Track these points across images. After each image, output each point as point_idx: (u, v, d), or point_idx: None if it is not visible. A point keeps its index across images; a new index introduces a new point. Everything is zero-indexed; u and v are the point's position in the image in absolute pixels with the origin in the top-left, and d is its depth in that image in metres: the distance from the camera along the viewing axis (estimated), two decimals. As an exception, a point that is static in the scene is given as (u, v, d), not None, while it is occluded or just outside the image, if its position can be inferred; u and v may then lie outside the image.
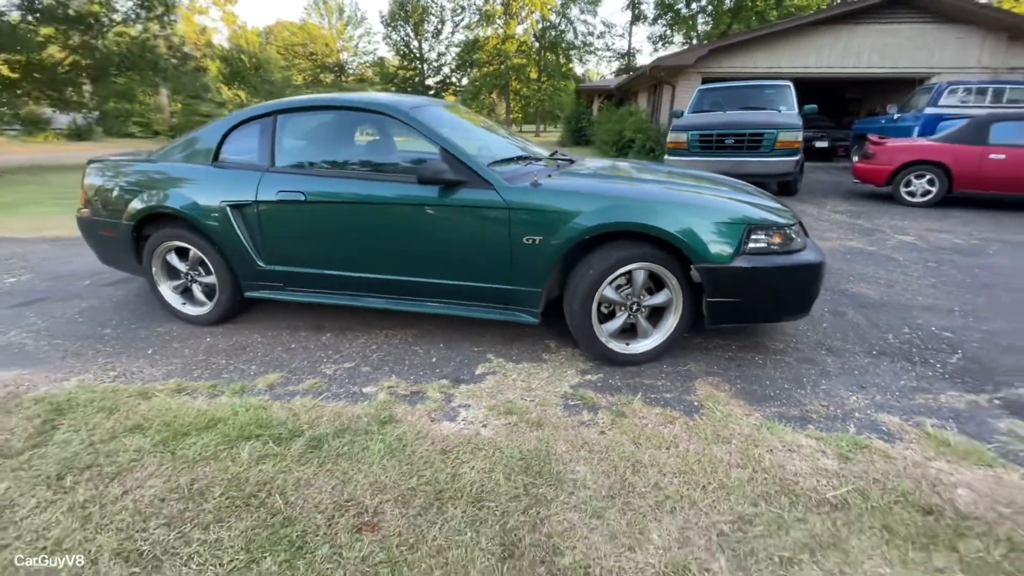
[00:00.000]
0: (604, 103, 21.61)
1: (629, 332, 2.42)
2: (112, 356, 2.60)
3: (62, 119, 15.56)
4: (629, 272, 2.25)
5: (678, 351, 2.51)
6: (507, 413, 2.01)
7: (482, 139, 2.93)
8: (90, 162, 3.03)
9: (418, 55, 49.18)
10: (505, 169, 2.41)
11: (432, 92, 50.73)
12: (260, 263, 2.67)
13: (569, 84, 41.83)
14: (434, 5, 47.44)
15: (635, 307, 2.33)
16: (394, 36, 47.45)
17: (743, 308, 2.24)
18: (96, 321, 3.03)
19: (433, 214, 2.35)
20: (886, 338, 2.61)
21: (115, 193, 2.83)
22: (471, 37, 45.23)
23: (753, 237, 2.15)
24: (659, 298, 2.32)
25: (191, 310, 2.92)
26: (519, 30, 45.30)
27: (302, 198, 2.48)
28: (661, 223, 2.13)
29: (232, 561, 1.37)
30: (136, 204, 2.73)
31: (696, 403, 2.08)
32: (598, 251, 2.24)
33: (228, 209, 2.59)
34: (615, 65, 46.71)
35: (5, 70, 13.43)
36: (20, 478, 1.70)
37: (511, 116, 52.39)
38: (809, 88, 13.35)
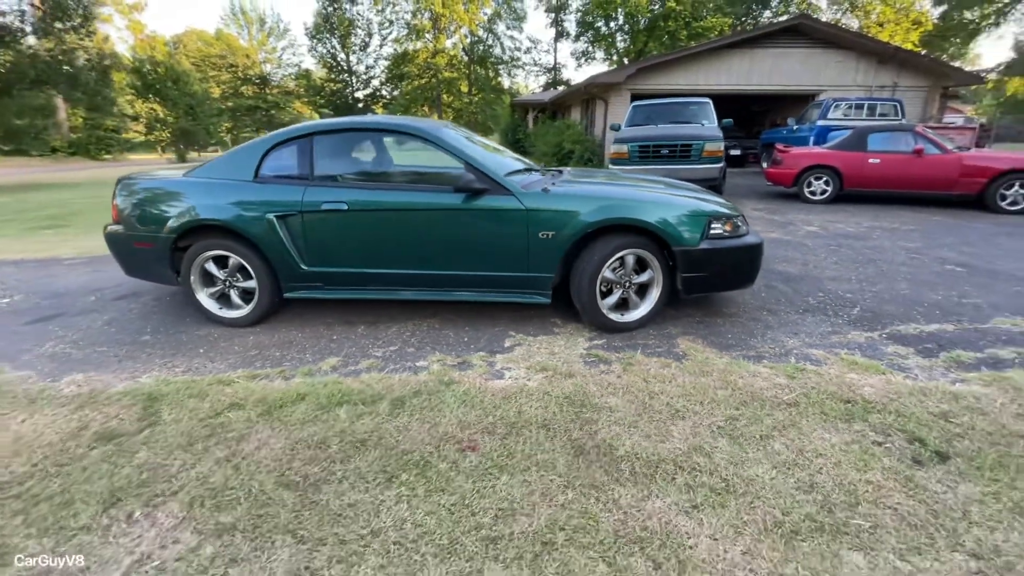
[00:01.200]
0: (539, 116, 22.72)
1: (621, 306, 3.04)
2: (167, 356, 2.84)
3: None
4: (622, 257, 2.88)
5: (659, 320, 3.16)
6: (543, 370, 2.56)
7: (489, 154, 3.48)
8: (121, 180, 3.22)
9: (346, 68, 48.50)
10: (518, 178, 2.97)
11: (362, 105, 50.13)
12: (303, 266, 3.02)
13: (504, 98, 42.96)
14: (360, 18, 47.11)
15: (627, 284, 2.96)
16: (320, 48, 46.56)
17: (708, 280, 2.94)
18: (129, 330, 3.22)
19: (461, 217, 2.85)
20: (807, 301, 3.43)
21: (153, 208, 3.07)
22: (400, 51, 45.40)
23: (713, 226, 2.85)
24: (644, 276, 2.96)
25: (228, 313, 3.20)
26: (448, 44, 46.04)
27: (344, 207, 2.89)
28: (649, 218, 2.77)
29: (376, 478, 1.81)
30: (179, 217, 3.00)
31: (681, 353, 2.73)
32: (599, 241, 2.85)
33: (274, 219, 2.93)
34: (542, 79, 48.67)
35: None
36: (153, 448, 2.01)
37: (444, 128, 52.74)
38: (722, 103, 15.00)
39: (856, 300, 3.43)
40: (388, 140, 3.02)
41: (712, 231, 2.85)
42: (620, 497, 1.68)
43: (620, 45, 38.84)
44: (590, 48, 40.29)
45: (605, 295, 2.98)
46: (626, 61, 36.02)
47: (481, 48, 46.98)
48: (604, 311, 2.94)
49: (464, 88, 48.25)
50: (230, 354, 2.87)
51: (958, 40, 31.90)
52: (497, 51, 47.42)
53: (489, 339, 2.97)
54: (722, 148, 7.76)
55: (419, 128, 2.98)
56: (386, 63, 47.70)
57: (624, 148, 8.16)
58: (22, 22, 12.03)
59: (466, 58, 47.64)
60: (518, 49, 49.28)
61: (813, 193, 7.68)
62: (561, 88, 40.15)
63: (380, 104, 51.60)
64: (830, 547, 1.47)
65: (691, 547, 1.48)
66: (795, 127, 11.15)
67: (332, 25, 46.26)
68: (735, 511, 1.61)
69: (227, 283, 3.17)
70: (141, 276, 3.33)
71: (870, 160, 7.15)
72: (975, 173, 6.61)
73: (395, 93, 48.03)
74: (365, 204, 2.89)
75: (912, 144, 6.94)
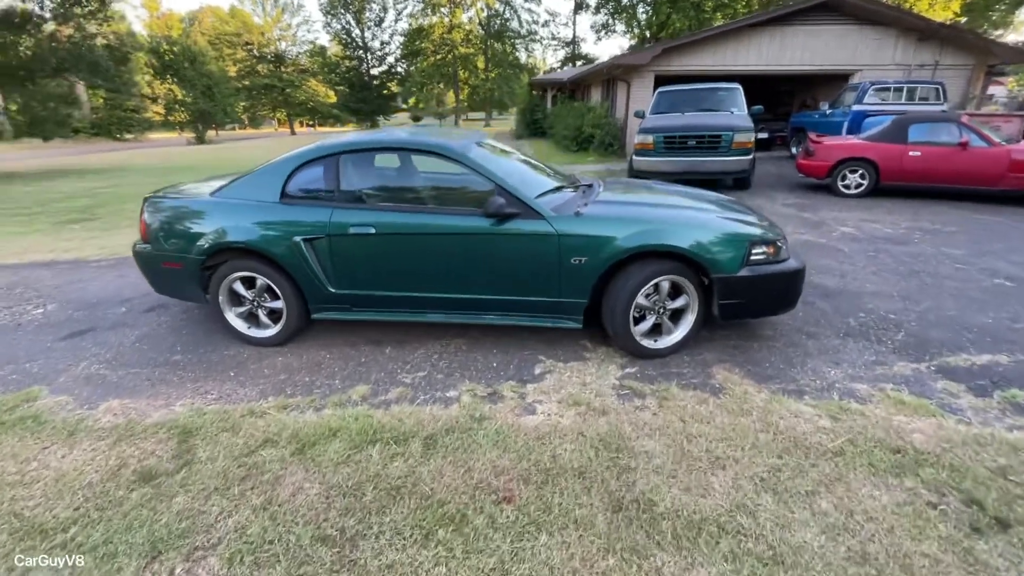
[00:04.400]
0: (558, 96, 22.18)
1: (654, 331, 2.95)
2: (199, 380, 2.86)
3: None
4: (657, 283, 2.78)
5: (693, 343, 3.07)
6: (575, 404, 2.50)
7: (518, 172, 3.38)
8: (147, 199, 3.20)
9: (361, 44, 47.82)
10: (548, 200, 2.86)
11: (377, 82, 49.57)
12: (330, 288, 2.99)
13: (522, 76, 42.04)
14: (375, -8, 46.18)
15: (661, 310, 2.87)
16: (334, 24, 45.92)
17: (747, 307, 2.83)
18: (160, 348, 3.24)
19: (492, 241, 2.77)
20: (848, 323, 3.30)
21: (182, 228, 3.05)
22: (415, 26, 44.52)
23: (754, 251, 2.73)
24: (679, 302, 2.86)
25: (257, 333, 3.20)
26: (464, 18, 44.99)
27: (372, 231, 2.83)
28: (685, 244, 2.66)
29: (412, 534, 1.79)
30: (207, 239, 2.97)
31: (718, 385, 2.65)
32: (633, 267, 2.75)
33: (301, 242, 2.89)
34: (560, 54, 47.43)
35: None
36: (190, 491, 2.02)
37: (460, 105, 52.08)
38: (750, 83, 14.44)
39: (900, 322, 3.28)
40: (416, 158, 2.92)
41: (753, 257, 2.73)
42: (663, 565, 1.64)
43: (641, 17, 37.45)
44: (610, 20, 38.94)
45: (638, 321, 2.90)
46: (648, 34, 34.80)
47: (498, 22, 45.83)
48: (637, 338, 2.86)
49: (480, 64, 47.31)
50: (260, 378, 2.87)
51: (1002, 7, 30.01)
52: (514, 25, 46.25)
53: (519, 365, 2.92)
54: (752, 139, 7.48)
55: (448, 148, 2.88)
56: (401, 39, 46.90)
57: (649, 139, 7.91)
58: (41, 8, 12.03)
59: (482, 32, 46.57)
60: (535, 22, 48.09)
61: (847, 187, 7.37)
62: (580, 64, 39.07)
63: (395, 81, 50.95)
64: (888, 636, 1.41)
65: (741, 631, 1.44)
66: (828, 111, 10.68)
67: (347, 0, 45.47)
68: (785, 587, 1.56)
69: (255, 303, 3.16)
70: (170, 294, 3.34)
71: (910, 153, 6.81)
72: (1024, 168, 6.26)
73: (411, 69, 47.32)
74: (393, 227, 2.83)
75: (957, 136, 6.58)
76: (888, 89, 9.92)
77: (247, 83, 42.73)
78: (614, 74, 13.46)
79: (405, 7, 47.47)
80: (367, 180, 2.97)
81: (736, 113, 8.35)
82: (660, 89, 9.37)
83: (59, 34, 12.17)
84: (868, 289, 3.85)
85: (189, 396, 2.71)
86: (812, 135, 8.02)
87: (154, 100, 33.62)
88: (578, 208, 2.79)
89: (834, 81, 13.21)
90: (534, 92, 24.33)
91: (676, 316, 2.95)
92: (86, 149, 28.13)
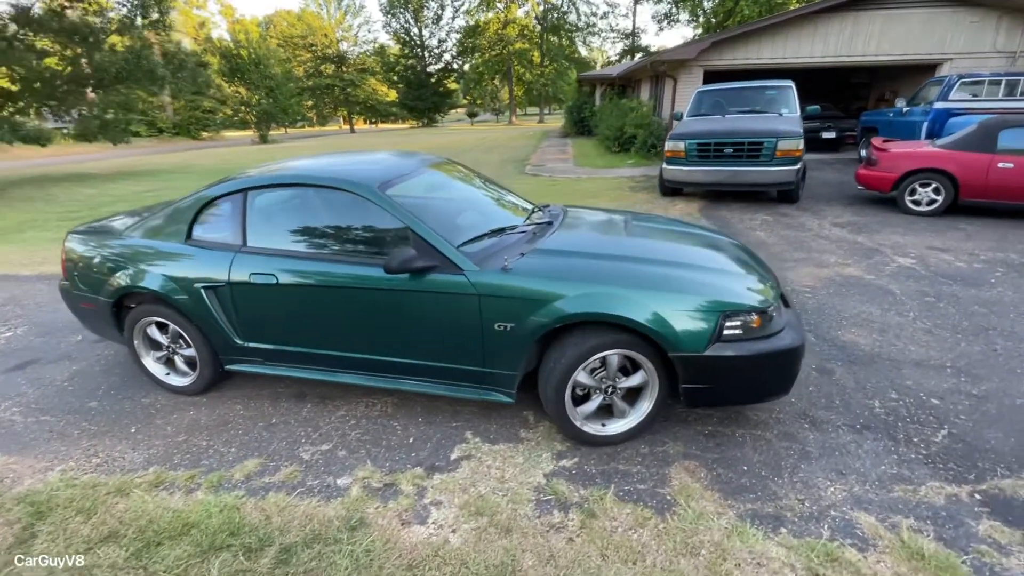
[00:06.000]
0: (607, 91, 21.23)
1: (605, 412, 2.39)
2: (96, 437, 2.63)
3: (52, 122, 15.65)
4: (604, 356, 2.22)
5: (658, 425, 2.48)
6: (478, 514, 2.01)
7: (465, 205, 2.91)
8: (70, 233, 3.02)
9: (419, 42, 48.51)
10: (477, 248, 2.36)
11: (434, 80, 50.15)
12: (237, 340, 2.66)
13: (571, 74, 41.01)
14: (434, -11, 46.61)
15: (610, 390, 2.30)
16: (394, 24, 46.86)
17: (718, 393, 2.21)
18: (85, 390, 3.06)
19: (403, 298, 2.32)
20: (872, 406, 2.55)
21: (95, 269, 2.83)
22: (471, 22, 44.48)
23: (728, 324, 2.10)
24: (635, 380, 2.28)
25: (175, 380, 2.94)
26: (520, 13, 44.44)
27: (274, 280, 2.46)
28: (635, 314, 2.08)
29: None
30: (114, 282, 2.74)
31: (669, 497, 2.06)
32: (572, 337, 2.21)
33: (202, 290, 2.58)
34: (619, 46, 45.75)
35: (5, 83, 13.48)
36: (-3, 602, 1.74)
37: (515, 101, 51.72)
38: (816, 77, 12.99)
39: (945, 413, 2.50)
40: (327, 196, 2.51)
41: (727, 331, 2.10)
42: None
43: (707, 4, 35.20)
44: (673, 9, 36.99)
45: (582, 400, 2.35)
46: (714, 23, 32.66)
47: (555, 16, 44.86)
48: (577, 422, 2.32)
49: (536, 58, 46.57)
50: (157, 438, 2.60)
51: None
52: (572, 17, 45.10)
53: (438, 443, 2.46)
54: (801, 147, 6.52)
55: (351, 183, 2.44)
56: (457, 36, 47.11)
57: (680, 145, 7.13)
58: (107, 22, 12.82)
59: (539, 27, 45.80)
60: (594, 15, 46.84)
61: (917, 203, 6.24)
62: (640, 57, 37.46)
63: (451, 78, 51.35)
64: None
65: None
66: (904, 109, 9.26)
67: (406, -1, 46.21)
68: None
69: (170, 349, 2.89)
70: (97, 333, 3.16)
71: (999, 164, 5.61)
72: None
73: (465, 67, 47.49)
74: (296, 276, 2.44)
75: (1064, 144, 5.33)
76: (981, 83, 8.42)
77: (311, 83, 44.54)
78: (658, 70, 12.51)
79: (463, 4, 47.54)
80: (274, 220, 2.60)
81: (785, 115, 7.35)
82: (699, 88, 8.47)
83: (119, 46, 12.94)
84: (912, 355, 3.04)
85: (75, 458, 2.47)
86: (876, 141, 6.88)
87: (223, 102, 35.74)
88: (506, 261, 2.27)
89: (920, 72, 11.58)
90: (583, 88, 23.44)
91: (634, 395, 2.37)
92: (164, 148, 30.39)
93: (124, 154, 24.92)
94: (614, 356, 2.22)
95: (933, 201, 6.13)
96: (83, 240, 2.93)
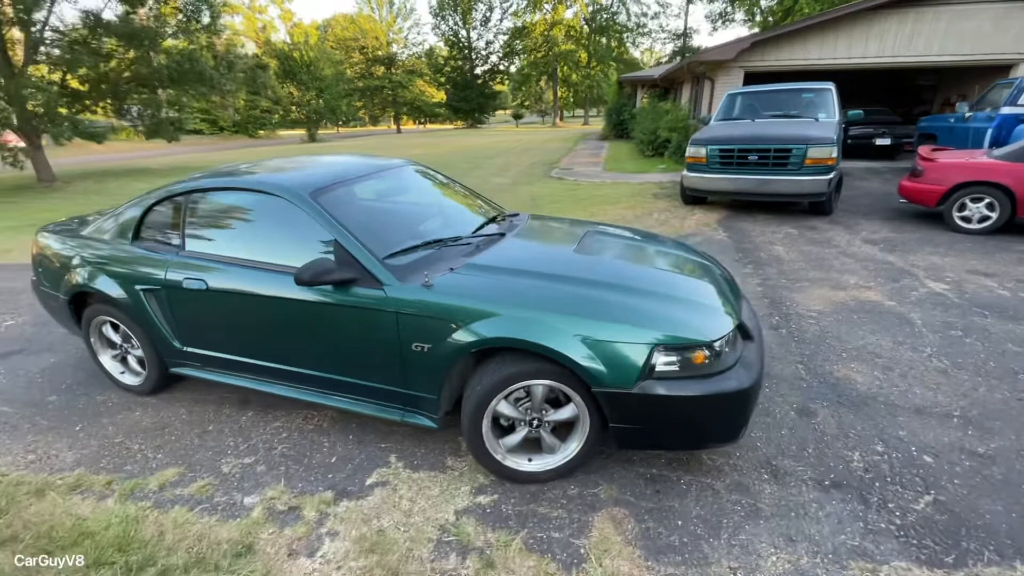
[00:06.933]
0: (647, 94, 20.62)
1: (536, 444, 2.18)
2: (42, 432, 2.66)
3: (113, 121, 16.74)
4: (528, 386, 2.01)
5: (598, 463, 2.24)
6: (370, 551, 1.85)
7: (417, 213, 2.80)
8: (41, 229, 3.11)
9: (466, 44, 49.04)
10: (406, 261, 2.20)
11: (480, 81, 50.54)
12: (176, 343, 2.64)
13: (611, 75, 40.26)
14: (484, -8, 46.98)
15: (535, 423, 2.09)
16: (443, 26, 47.59)
17: (651, 436, 1.97)
18: (52, 383, 3.14)
19: (324, 311, 2.19)
20: (849, 459, 2.21)
21: (56, 266, 2.89)
22: (519, 24, 44.51)
23: (662, 359, 1.85)
24: (565, 413, 2.06)
25: (129, 379, 2.96)
26: (568, 14, 44.05)
27: (204, 286, 2.40)
28: (554, 343, 1.86)
29: None
30: (70, 279, 2.78)
31: (583, 550, 1.83)
32: (490, 364, 2.02)
33: (141, 292, 2.56)
34: (669, 47, 44.49)
35: (75, 83, 14.59)
36: None
37: (559, 103, 51.36)
38: (871, 77, 12.04)
39: (937, 475, 2.12)
40: (260, 201, 2.43)
41: (660, 367, 1.85)
42: None
43: (764, 3, 33.59)
44: (728, 8, 35.54)
45: (506, 431, 2.15)
46: (771, 21, 31.13)
47: (604, 16, 44.16)
48: (498, 456, 2.12)
49: (584, 58, 46.01)
50: (96, 438, 2.60)
51: None
52: (622, 18, 44.27)
53: (359, 465, 2.33)
54: (834, 155, 5.99)
55: (280, 187, 2.34)
56: (504, 37, 47.29)
57: (702, 151, 6.73)
58: (163, 26, 13.61)
59: (587, 28, 45.26)
60: (644, 15, 45.74)
61: (967, 220, 5.58)
62: (686, 59, 36.29)
63: (497, 80, 51.59)
64: None
65: None
66: (967, 114, 8.38)
67: (456, 1, 46.81)
68: None
69: (123, 348, 2.91)
70: (63, 327, 3.23)
71: (1067, 178, 4.91)
72: None
73: (511, 69, 47.58)
74: (225, 283, 2.38)
75: None
76: (1059, 86, 7.48)
77: (361, 84, 45.90)
78: (696, 71, 11.96)
79: (510, 6, 47.62)
80: (210, 225, 2.54)
81: (822, 120, 6.79)
82: (730, 91, 7.98)
83: (173, 50, 13.70)
84: (915, 399, 2.63)
85: (14, 453, 2.50)
86: (923, 150, 6.21)
87: (277, 102, 37.40)
88: (427, 277, 2.10)
89: (993, 75, 10.49)
90: (624, 90, 22.89)
91: (568, 429, 2.15)
92: (221, 146, 32.09)
93: (184, 151, 26.47)
94: (539, 387, 2.01)
95: (986, 218, 5.46)
96: (49, 237, 3.00)
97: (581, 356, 1.85)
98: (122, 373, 2.98)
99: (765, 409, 2.58)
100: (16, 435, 2.65)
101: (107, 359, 2.99)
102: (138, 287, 2.57)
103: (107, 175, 15.61)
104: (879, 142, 11.36)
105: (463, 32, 48.58)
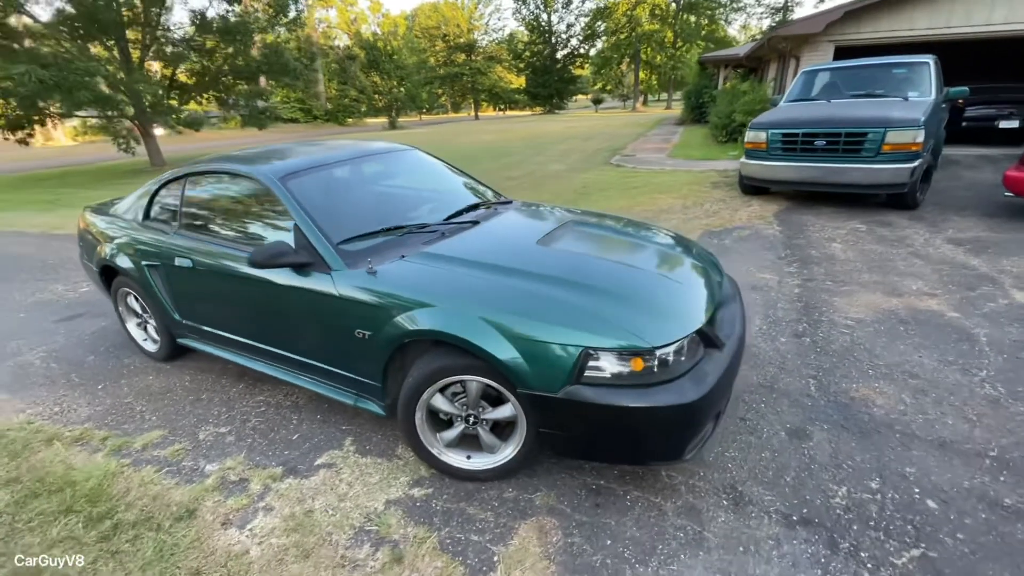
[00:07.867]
0: (732, 75, 19.11)
1: (472, 443, 2.10)
2: (71, 388, 3.01)
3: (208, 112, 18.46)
4: (463, 381, 1.94)
5: (547, 467, 2.12)
6: (293, 530, 1.89)
7: (395, 199, 2.81)
8: (86, 207, 3.49)
9: (547, 27, 48.32)
10: (361, 247, 2.20)
11: (559, 66, 49.69)
12: (176, 316, 2.85)
13: (691, 58, 37.71)
14: (566, -27, 45.91)
15: (471, 419, 2.01)
16: (523, 10, 47.18)
17: (578, 445, 1.82)
18: (96, 345, 3.55)
19: (284, 293, 2.25)
20: (832, 494, 1.90)
21: (91, 240, 3.24)
22: (601, 4, 43.01)
23: (591, 364, 1.69)
24: (503, 412, 1.96)
25: (149, 346, 3.26)
26: (654, -9, 41.85)
27: (190, 264, 2.57)
28: (480, 339, 1.77)
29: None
30: (99, 253, 3.10)
31: (496, 558, 1.74)
32: (425, 356, 1.97)
33: (146, 268, 2.79)
34: (767, 23, 40.83)
35: (183, 77, 16.31)
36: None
37: (640, 87, 49.26)
38: (998, 47, 10.27)
39: (937, 526, 1.75)
40: (241, 184, 2.52)
41: (588, 372, 1.69)
42: None
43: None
44: (836, -24, 31.92)
45: (445, 425, 2.10)
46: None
47: (694, -8, 41.44)
48: (434, 450, 2.07)
49: (669, 38, 43.58)
50: (111, 397, 2.90)
51: None
52: (714, -7, 41.28)
53: (316, 444, 2.39)
54: (919, 139, 5.18)
55: (255, 172, 2.42)
56: (585, 19, 45.98)
57: (762, 136, 6.13)
58: (254, 21, 14.74)
59: (674, 6, 42.77)
60: (739, -12, 42.19)
61: (1091, 218, 4.59)
62: (767, 34, 33.14)
63: (577, 63, 50.41)
64: None
65: None
66: (1120, 90, 6.86)
67: (538, -16, 46.17)
68: None
69: (143, 318, 3.20)
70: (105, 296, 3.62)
71: None
72: None
73: (591, 52, 46.26)
74: (205, 261, 2.52)
75: None
76: None
77: (442, 72, 46.95)
78: (780, 48, 10.86)
79: (594, -15, 46.08)
80: (203, 207, 2.70)
81: (911, 100, 5.89)
82: (805, 68, 7.14)
83: (261, 43, 14.81)
84: (943, 431, 2.20)
85: (45, 404, 2.86)
86: (1040, 133, 5.18)
87: (362, 91, 39.32)
88: (370, 264, 2.08)
89: None
90: (706, 71, 21.38)
91: (510, 429, 2.04)
92: (312, 133, 34.38)
93: (277, 138, 28.70)
94: (473, 383, 1.92)
95: (1117, 217, 4.46)
96: (90, 214, 3.36)
97: (507, 355, 1.74)
98: (144, 340, 3.29)
99: (751, 426, 2.29)
100: (52, 388, 3.02)
101: (132, 327, 3.31)
102: (144, 263, 2.80)
103: (192, 161, 17.34)
104: (1004, 125, 9.67)
105: (544, 15, 47.89)
